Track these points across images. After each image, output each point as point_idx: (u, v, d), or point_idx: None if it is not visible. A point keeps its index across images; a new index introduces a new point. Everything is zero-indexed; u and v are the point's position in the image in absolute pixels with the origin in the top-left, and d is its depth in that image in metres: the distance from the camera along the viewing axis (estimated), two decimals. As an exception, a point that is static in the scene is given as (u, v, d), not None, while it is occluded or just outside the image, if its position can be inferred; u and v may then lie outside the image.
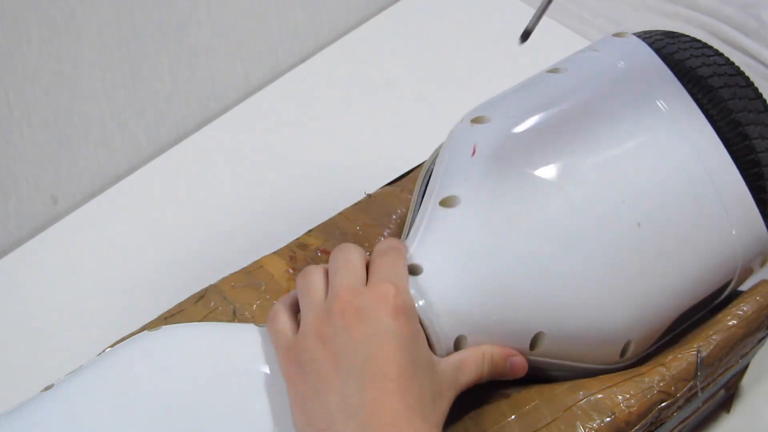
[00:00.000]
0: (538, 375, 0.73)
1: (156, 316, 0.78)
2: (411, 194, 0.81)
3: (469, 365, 0.67)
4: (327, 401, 0.62)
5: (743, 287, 0.80)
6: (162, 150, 1.13)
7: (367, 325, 0.63)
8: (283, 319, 0.67)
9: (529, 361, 0.70)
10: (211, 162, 1.11)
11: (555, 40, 1.13)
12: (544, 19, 1.25)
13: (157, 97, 1.10)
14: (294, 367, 0.64)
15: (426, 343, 0.66)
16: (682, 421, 0.79)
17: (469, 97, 0.82)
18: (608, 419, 0.71)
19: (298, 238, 0.83)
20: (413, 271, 0.68)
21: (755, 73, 1.21)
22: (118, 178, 1.10)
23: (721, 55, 0.77)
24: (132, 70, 1.06)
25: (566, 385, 0.74)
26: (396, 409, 0.61)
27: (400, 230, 0.82)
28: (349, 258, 0.67)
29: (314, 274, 0.68)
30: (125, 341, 0.70)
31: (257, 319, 0.77)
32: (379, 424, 0.60)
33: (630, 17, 1.27)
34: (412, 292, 0.66)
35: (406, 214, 0.80)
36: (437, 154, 0.79)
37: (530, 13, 0.71)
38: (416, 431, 0.60)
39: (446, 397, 0.65)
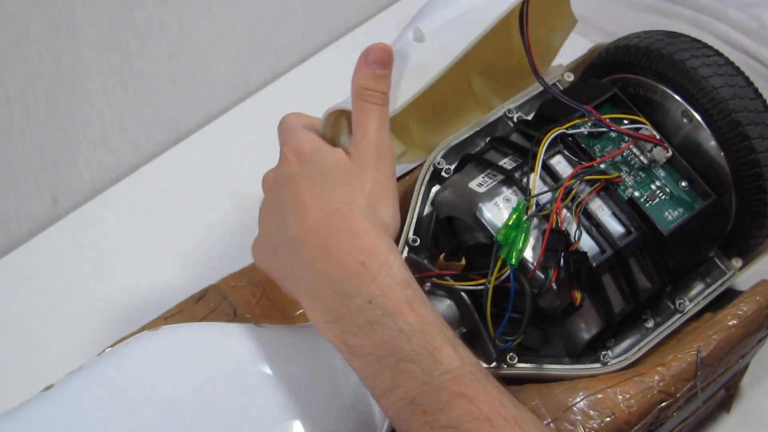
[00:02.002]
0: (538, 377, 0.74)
1: (156, 316, 0.78)
2: (411, 193, 0.81)
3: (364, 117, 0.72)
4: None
5: (743, 287, 0.80)
6: (162, 150, 1.13)
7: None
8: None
9: None
10: (211, 162, 1.11)
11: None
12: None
13: (157, 97, 1.10)
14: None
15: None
16: (682, 421, 0.79)
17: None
18: (608, 419, 0.71)
19: (297, 239, 0.83)
20: None
21: (755, 73, 1.21)
22: (118, 178, 1.10)
23: (721, 55, 0.78)
24: (132, 70, 1.06)
25: (566, 384, 0.74)
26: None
27: (399, 230, 0.81)
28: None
29: None
30: (125, 341, 0.70)
31: (257, 318, 0.77)
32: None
33: (630, 17, 1.27)
34: None
35: (407, 213, 0.80)
36: (437, 153, 0.80)
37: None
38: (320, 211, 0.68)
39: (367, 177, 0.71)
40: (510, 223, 0.71)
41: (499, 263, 0.71)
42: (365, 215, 0.68)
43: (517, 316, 0.71)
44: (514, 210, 0.72)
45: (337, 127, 0.77)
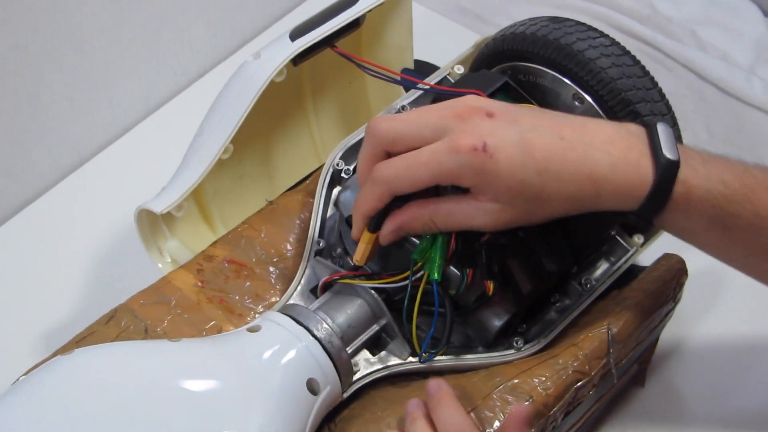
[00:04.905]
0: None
1: (67, 341, 0.78)
2: (313, 197, 0.81)
3: None
4: None
5: (646, 262, 0.81)
6: (64, 175, 1.12)
7: None
8: None
9: None
10: (113, 184, 1.10)
11: (453, 39, 1.14)
12: (442, 19, 1.26)
13: (55, 122, 1.09)
14: None
15: None
16: (598, 399, 0.80)
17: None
18: (526, 403, 0.72)
19: (204, 251, 0.83)
20: None
21: (649, 57, 1.23)
22: (22, 206, 1.09)
23: (607, 36, 0.79)
24: (29, 96, 1.05)
25: (482, 373, 0.75)
26: None
27: (304, 234, 0.82)
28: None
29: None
30: (39, 367, 0.69)
31: (169, 334, 0.77)
32: None
33: (525, 11, 1.28)
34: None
35: (310, 217, 0.80)
36: (335, 155, 0.80)
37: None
38: None
39: None
40: (424, 245, 0.72)
41: (415, 267, 0.72)
42: None
43: (437, 309, 0.72)
44: None
45: (156, 229, 0.86)
